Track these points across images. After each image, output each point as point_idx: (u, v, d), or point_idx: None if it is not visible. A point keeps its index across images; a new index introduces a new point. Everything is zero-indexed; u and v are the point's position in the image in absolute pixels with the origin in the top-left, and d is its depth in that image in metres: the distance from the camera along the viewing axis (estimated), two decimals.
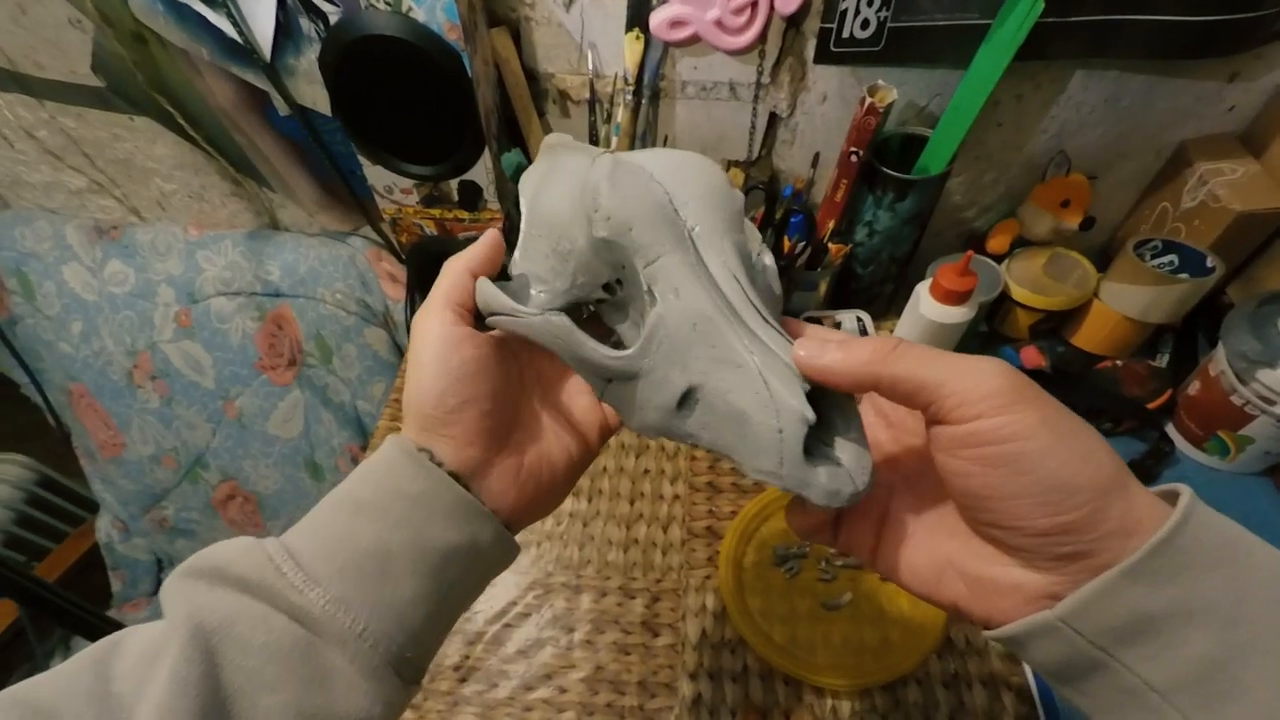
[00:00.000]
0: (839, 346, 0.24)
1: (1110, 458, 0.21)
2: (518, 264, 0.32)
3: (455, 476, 0.28)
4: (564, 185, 0.30)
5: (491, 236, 0.31)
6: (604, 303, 0.30)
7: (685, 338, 0.25)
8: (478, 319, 0.30)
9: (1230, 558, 0.20)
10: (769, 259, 0.29)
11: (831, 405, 0.25)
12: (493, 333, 0.31)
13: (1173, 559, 0.19)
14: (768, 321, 0.25)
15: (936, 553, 0.26)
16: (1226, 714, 0.19)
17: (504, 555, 0.30)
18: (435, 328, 0.29)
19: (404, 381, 0.29)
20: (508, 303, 0.29)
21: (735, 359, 0.25)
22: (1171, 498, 0.21)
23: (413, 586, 0.26)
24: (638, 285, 0.27)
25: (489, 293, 0.29)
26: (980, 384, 0.21)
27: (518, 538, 0.31)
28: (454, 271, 0.30)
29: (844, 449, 0.25)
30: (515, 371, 0.32)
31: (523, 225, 0.32)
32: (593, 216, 0.26)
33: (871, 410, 0.31)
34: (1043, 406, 0.21)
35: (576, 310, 0.31)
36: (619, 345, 0.31)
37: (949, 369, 0.22)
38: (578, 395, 0.35)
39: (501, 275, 0.32)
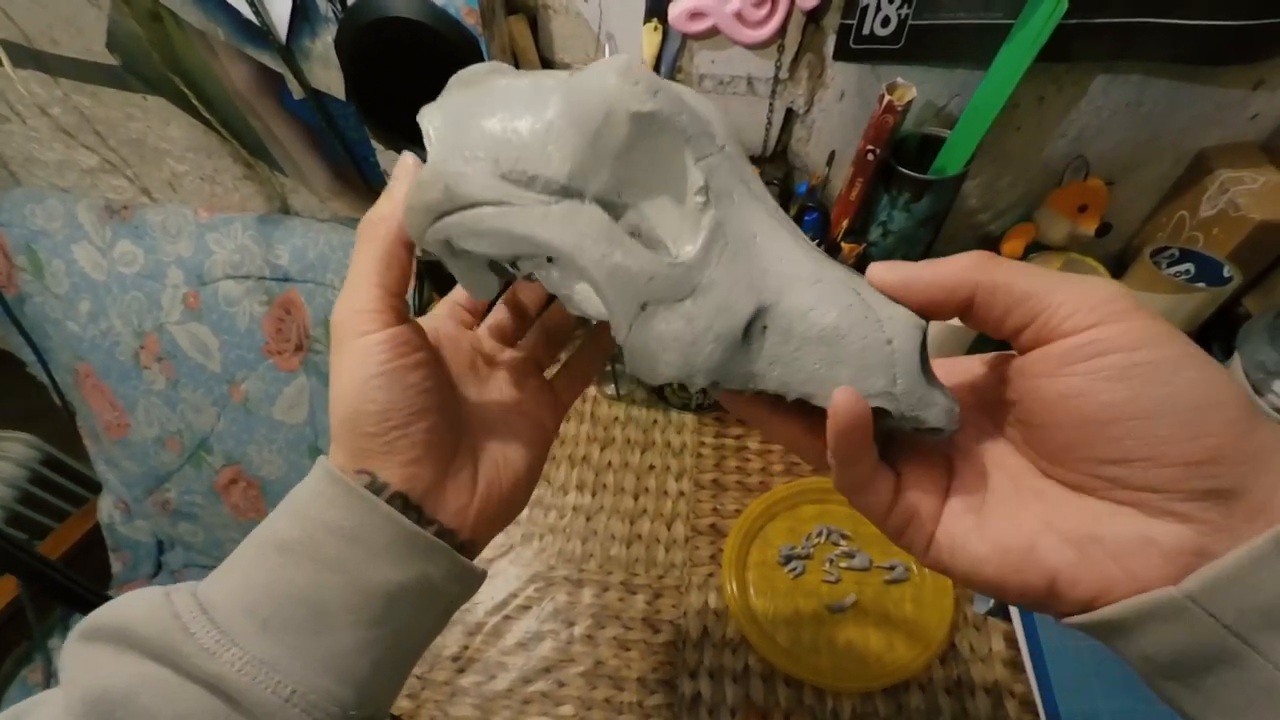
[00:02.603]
0: (921, 264, 0.21)
1: (1240, 389, 0.18)
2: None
3: (405, 499, 0.24)
4: (517, 104, 0.22)
5: (406, 166, 0.25)
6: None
7: (748, 249, 0.21)
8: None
9: None
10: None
11: None
12: (435, 313, 0.27)
13: None
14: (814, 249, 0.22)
15: (1023, 517, 0.21)
16: None
17: (463, 588, 0.26)
18: (367, 325, 0.24)
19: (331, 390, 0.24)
20: (496, 185, 0.21)
21: (811, 273, 0.21)
22: None
23: (353, 636, 0.22)
24: (666, 189, 0.21)
25: (457, 172, 0.21)
26: (1093, 292, 0.19)
27: (521, 533, 0.28)
28: (380, 240, 0.24)
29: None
30: (457, 362, 0.29)
31: (436, 153, 0.23)
32: (631, 91, 0.20)
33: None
34: (1161, 321, 0.19)
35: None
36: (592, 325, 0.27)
37: (1055, 279, 0.20)
38: (524, 376, 0.31)
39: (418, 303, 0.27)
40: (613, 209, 0.22)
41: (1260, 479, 0.17)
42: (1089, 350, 0.19)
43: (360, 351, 0.23)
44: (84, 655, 0.21)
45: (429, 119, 0.24)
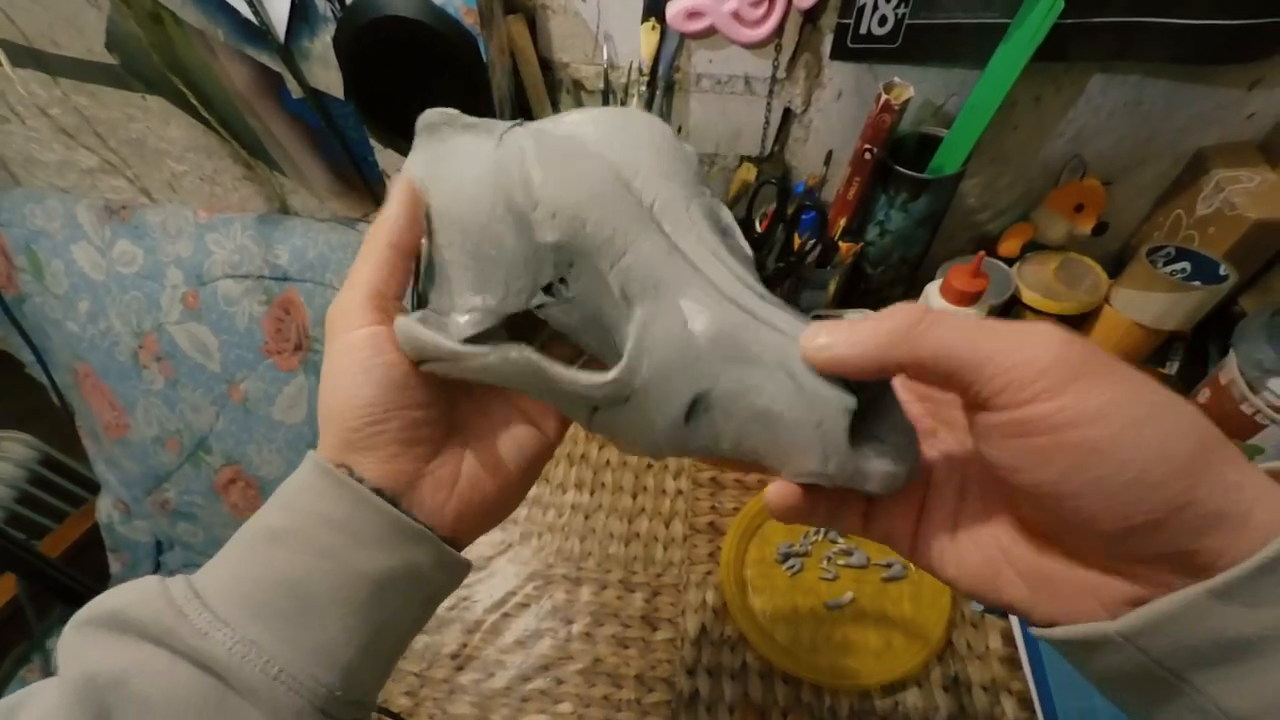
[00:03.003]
0: (851, 329, 0.20)
1: (1201, 434, 0.17)
2: (430, 283, 0.27)
3: (380, 493, 0.24)
4: (467, 174, 0.24)
5: (405, 190, 0.26)
6: (547, 306, 0.25)
7: (679, 340, 0.21)
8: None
9: None
10: (727, 214, 0.25)
11: None
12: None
13: None
14: (763, 298, 0.22)
15: (990, 546, 0.22)
16: None
17: (449, 577, 0.27)
18: (354, 323, 0.25)
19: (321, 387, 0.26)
20: (444, 345, 0.24)
21: (744, 353, 0.21)
22: None
23: (341, 621, 0.23)
24: (600, 283, 0.22)
25: (417, 336, 0.24)
26: (1032, 359, 0.18)
27: (520, 531, 0.28)
28: (373, 249, 0.26)
29: (883, 423, 0.22)
30: None
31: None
32: (531, 216, 0.22)
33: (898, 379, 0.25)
34: (1112, 382, 0.17)
35: (522, 324, 0.26)
36: (581, 359, 0.27)
37: (992, 342, 0.18)
38: None
39: (416, 303, 0.28)
40: (555, 292, 0.24)
41: (1206, 540, 0.17)
42: (1021, 429, 0.18)
43: (345, 348, 0.24)
44: (79, 642, 0.22)
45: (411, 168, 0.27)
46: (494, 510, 0.28)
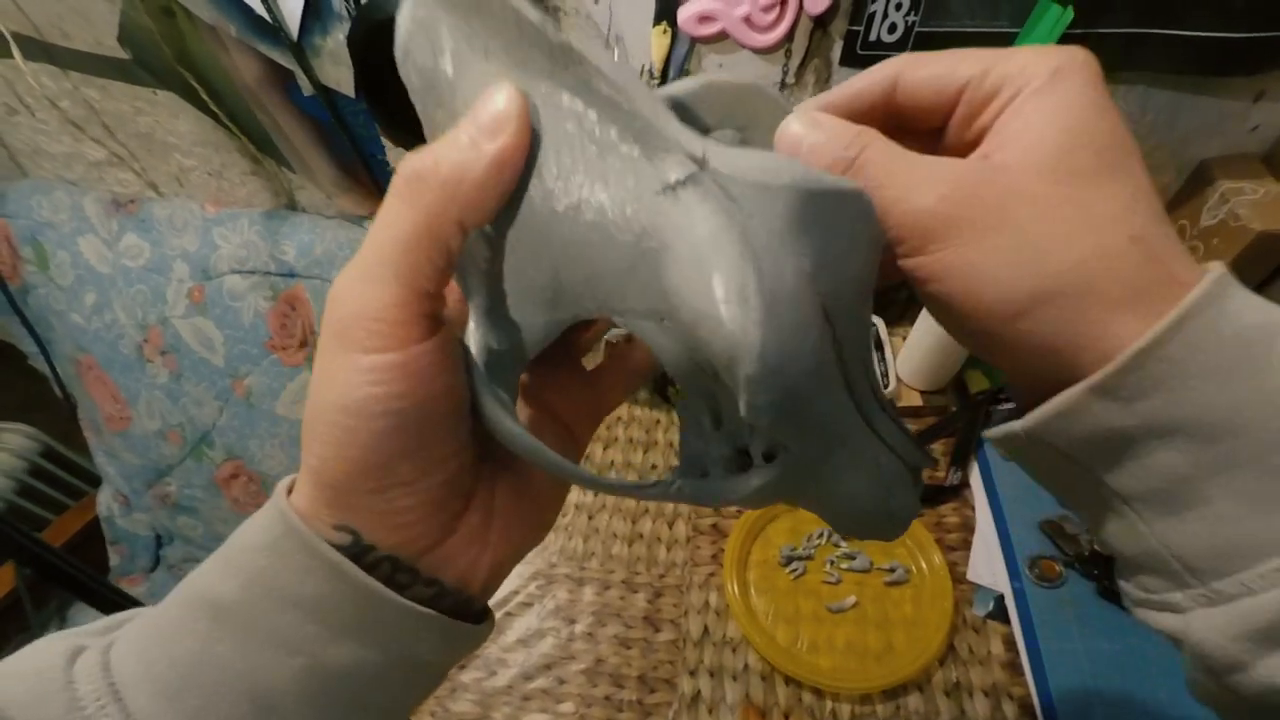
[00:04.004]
0: (810, 149, 0.19)
1: (1060, 278, 0.17)
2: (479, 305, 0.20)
3: (394, 562, 0.18)
4: (598, 200, 0.16)
5: (516, 140, 0.16)
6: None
7: (797, 480, 0.20)
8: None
9: (1235, 364, 0.16)
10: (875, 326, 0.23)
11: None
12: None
13: (1154, 370, 0.16)
14: (886, 412, 0.20)
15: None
16: (1184, 521, 0.18)
17: (460, 654, 0.21)
18: (379, 339, 0.16)
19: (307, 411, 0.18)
20: (578, 474, 0.20)
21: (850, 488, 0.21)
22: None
23: None
24: (736, 416, 0.17)
25: (533, 449, 0.19)
26: (913, 210, 0.18)
27: None
28: (423, 209, 0.16)
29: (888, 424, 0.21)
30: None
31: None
32: (735, 382, 0.15)
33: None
34: (975, 235, 0.17)
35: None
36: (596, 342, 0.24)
37: (892, 188, 0.18)
38: (557, 370, 0.24)
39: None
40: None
41: (1085, 356, 0.17)
42: (913, 276, 0.19)
43: (366, 375, 0.16)
44: None
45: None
46: (531, 538, 0.23)
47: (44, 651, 0.17)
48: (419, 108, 0.19)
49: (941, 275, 0.18)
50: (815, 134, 0.19)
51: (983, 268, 0.17)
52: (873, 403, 0.20)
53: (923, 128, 0.21)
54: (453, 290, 0.21)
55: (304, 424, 0.18)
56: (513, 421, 0.19)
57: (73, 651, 0.17)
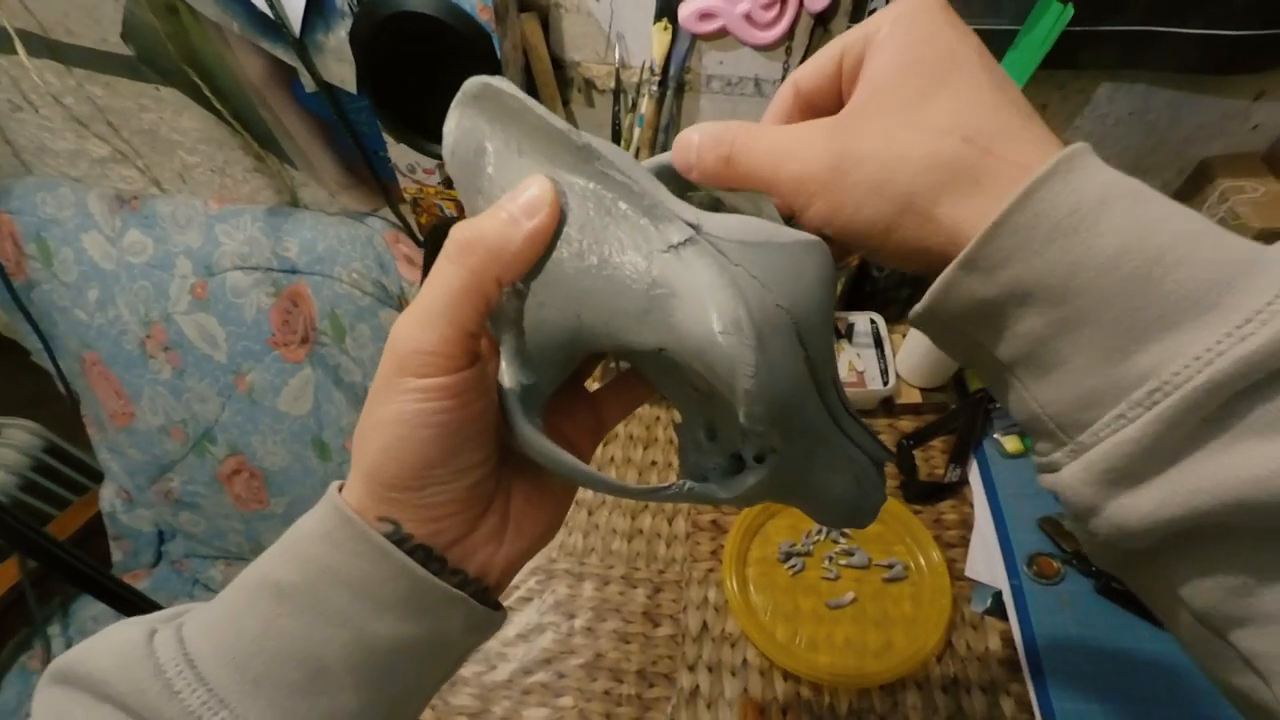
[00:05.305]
0: (700, 154, 0.23)
1: (952, 122, 0.20)
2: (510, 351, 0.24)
3: (428, 551, 0.22)
4: (613, 260, 0.21)
5: (548, 219, 0.21)
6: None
7: (785, 477, 0.24)
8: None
9: (1071, 229, 0.18)
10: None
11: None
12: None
13: (1006, 242, 0.18)
14: (852, 416, 0.25)
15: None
16: (1049, 380, 0.19)
17: (481, 635, 0.25)
18: (429, 367, 0.20)
19: (362, 421, 0.22)
20: (606, 481, 0.24)
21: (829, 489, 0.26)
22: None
23: (354, 698, 0.21)
24: (730, 427, 0.24)
25: (566, 464, 0.23)
26: (800, 175, 0.21)
27: None
28: (470, 270, 0.20)
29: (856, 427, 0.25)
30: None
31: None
32: (735, 396, 0.20)
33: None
34: (841, 190, 0.21)
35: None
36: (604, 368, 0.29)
37: (786, 167, 0.22)
38: (563, 395, 0.27)
39: None
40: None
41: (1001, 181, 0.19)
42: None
43: (419, 394, 0.20)
44: (56, 702, 0.20)
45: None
46: (544, 535, 0.26)
47: (124, 630, 0.21)
48: (461, 195, 0.24)
49: (827, 219, 0.21)
50: (697, 136, 0.23)
51: (849, 203, 0.21)
52: (840, 409, 0.24)
53: (832, 109, 0.24)
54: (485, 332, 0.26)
55: (358, 435, 0.22)
56: (546, 441, 0.23)
57: (149, 631, 0.20)
